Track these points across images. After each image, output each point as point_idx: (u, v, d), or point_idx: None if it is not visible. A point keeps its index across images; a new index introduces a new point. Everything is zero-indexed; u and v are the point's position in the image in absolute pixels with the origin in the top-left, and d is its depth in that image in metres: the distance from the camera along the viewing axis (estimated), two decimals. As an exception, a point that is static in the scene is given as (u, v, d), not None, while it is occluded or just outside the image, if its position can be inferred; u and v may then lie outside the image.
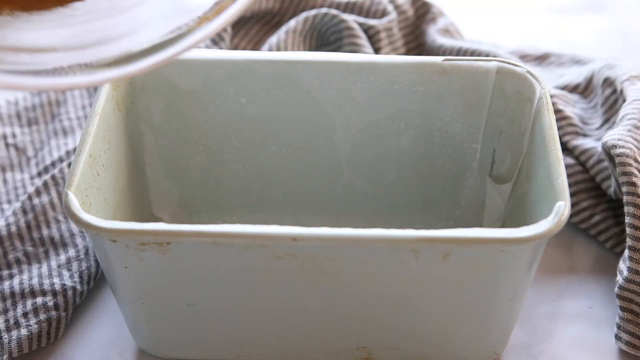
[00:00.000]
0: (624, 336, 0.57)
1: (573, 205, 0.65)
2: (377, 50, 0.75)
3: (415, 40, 0.78)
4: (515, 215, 0.59)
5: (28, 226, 0.63)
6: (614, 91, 0.68)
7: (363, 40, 0.74)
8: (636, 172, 0.59)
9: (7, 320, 0.58)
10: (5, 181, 0.69)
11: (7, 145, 0.71)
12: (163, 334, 0.56)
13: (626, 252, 0.58)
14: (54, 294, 0.59)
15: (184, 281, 0.52)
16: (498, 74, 0.60)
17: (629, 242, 0.58)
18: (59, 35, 0.50)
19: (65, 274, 0.60)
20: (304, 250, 0.49)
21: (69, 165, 0.66)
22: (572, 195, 0.64)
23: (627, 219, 0.58)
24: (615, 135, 0.62)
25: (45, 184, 0.65)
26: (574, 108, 0.70)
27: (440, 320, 0.54)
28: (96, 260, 0.61)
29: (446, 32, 0.77)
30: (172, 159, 0.62)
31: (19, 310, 0.58)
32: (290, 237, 0.48)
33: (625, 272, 0.58)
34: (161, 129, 0.62)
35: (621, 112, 0.65)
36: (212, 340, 0.55)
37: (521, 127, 0.59)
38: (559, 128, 0.67)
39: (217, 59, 0.61)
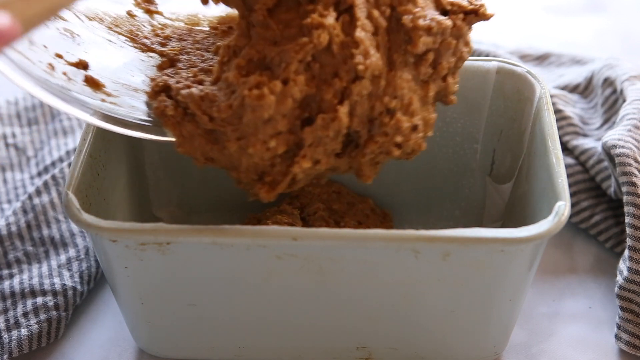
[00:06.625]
0: (624, 336, 0.57)
1: (573, 205, 0.64)
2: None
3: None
4: (515, 215, 0.59)
5: (28, 226, 0.63)
6: (614, 91, 0.68)
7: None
8: (636, 172, 0.59)
9: (7, 320, 0.58)
10: (5, 181, 0.69)
11: (7, 145, 0.71)
12: (163, 334, 0.56)
13: (626, 252, 0.58)
14: (54, 293, 0.59)
15: (184, 281, 0.52)
16: (498, 74, 0.60)
17: (629, 242, 0.58)
18: None
19: (66, 274, 0.60)
20: (304, 250, 0.49)
21: (69, 165, 0.65)
22: (572, 195, 0.64)
23: (627, 219, 0.58)
24: (615, 135, 0.62)
25: (45, 183, 0.65)
26: (574, 108, 0.69)
27: (440, 320, 0.53)
28: (96, 260, 0.61)
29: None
30: (172, 158, 0.62)
31: (19, 310, 0.58)
32: (290, 237, 0.48)
33: (625, 272, 0.58)
34: (161, 129, 0.62)
35: (621, 112, 0.65)
36: (212, 340, 0.55)
37: (521, 127, 0.59)
38: (559, 128, 0.67)
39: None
